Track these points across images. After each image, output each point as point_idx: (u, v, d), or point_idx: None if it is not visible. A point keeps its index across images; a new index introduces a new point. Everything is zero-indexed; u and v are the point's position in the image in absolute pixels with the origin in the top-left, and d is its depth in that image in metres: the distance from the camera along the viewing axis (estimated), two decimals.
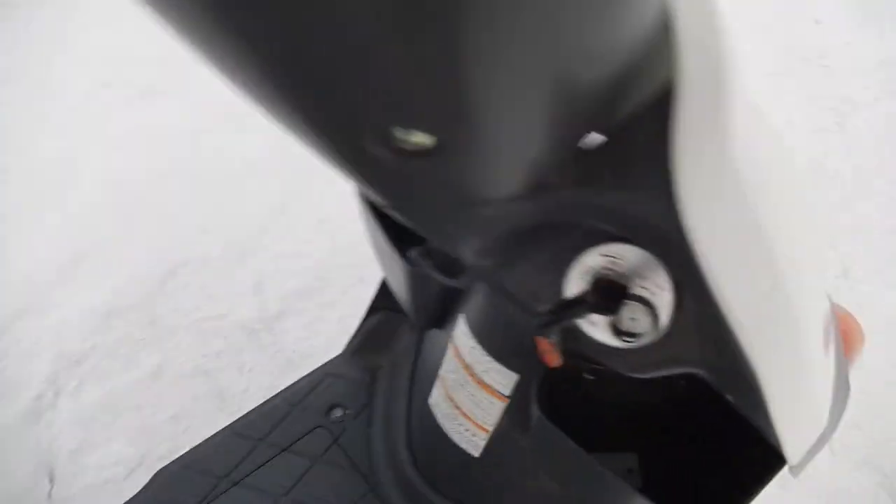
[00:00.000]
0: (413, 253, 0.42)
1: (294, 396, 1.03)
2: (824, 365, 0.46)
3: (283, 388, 1.03)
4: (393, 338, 1.07)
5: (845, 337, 0.58)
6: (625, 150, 0.31)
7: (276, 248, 1.63)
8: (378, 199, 0.31)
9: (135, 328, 1.52)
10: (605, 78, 0.25)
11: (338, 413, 1.01)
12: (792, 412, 0.39)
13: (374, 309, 1.08)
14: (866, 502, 1.14)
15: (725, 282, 0.32)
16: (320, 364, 1.08)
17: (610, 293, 0.36)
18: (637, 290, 0.37)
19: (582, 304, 0.36)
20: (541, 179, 0.32)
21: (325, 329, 1.48)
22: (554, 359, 0.55)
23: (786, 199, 0.40)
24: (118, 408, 1.41)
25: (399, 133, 0.22)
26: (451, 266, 0.42)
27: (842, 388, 0.53)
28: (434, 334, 0.90)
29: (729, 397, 0.37)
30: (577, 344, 0.41)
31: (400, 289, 0.80)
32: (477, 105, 0.21)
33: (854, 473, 1.17)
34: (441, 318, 0.80)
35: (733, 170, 0.31)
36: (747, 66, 1.77)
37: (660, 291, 0.36)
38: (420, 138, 0.22)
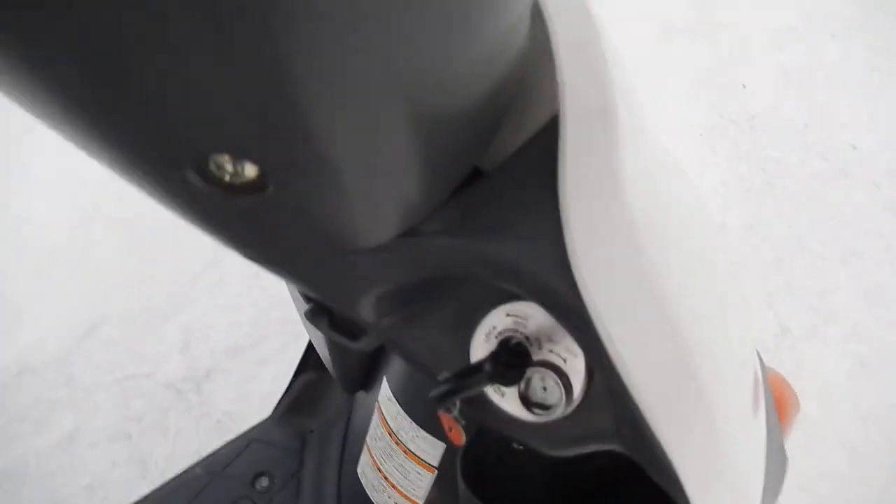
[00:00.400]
0: (307, 311, 0.38)
1: (216, 464, 0.96)
2: (753, 436, 0.44)
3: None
4: (323, 399, 1.02)
5: (779, 404, 0.56)
6: (507, 192, 0.28)
7: (207, 302, 1.56)
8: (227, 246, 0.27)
9: (48, 388, 1.41)
10: (468, 107, 0.22)
11: (264, 482, 0.95)
12: (714, 498, 0.36)
13: (302, 369, 1.03)
14: None
15: (626, 350, 0.28)
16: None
17: (512, 360, 0.33)
18: (546, 356, 0.34)
19: (479, 374, 0.32)
20: (409, 224, 0.28)
21: (258, 389, 1.41)
22: (457, 436, 0.50)
23: (699, 255, 0.38)
24: (26, 476, 1.29)
25: (218, 162, 0.19)
26: (350, 325, 0.38)
27: (777, 462, 0.51)
28: (364, 396, 0.86)
29: (655, 479, 0.34)
30: (487, 417, 0.38)
31: (321, 349, 0.75)
32: (304, 127, 0.17)
33: None
34: (366, 380, 0.76)
35: (630, 218, 0.28)
36: (680, 127, 1.83)
37: (571, 357, 0.33)
38: (244, 169, 0.19)
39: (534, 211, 0.28)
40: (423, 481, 0.65)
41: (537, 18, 0.27)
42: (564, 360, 0.33)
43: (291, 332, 1.48)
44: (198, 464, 0.95)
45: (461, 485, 0.56)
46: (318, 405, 1.02)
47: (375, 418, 0.69)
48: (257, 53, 0.15)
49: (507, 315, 0.34)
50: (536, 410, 0.33)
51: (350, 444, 0.90)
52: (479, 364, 0.32)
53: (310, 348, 1.01)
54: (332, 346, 0.68)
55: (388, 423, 0.66)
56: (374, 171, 0.21)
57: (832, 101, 2.10)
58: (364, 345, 0.39)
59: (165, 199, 0.22)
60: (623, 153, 0.27)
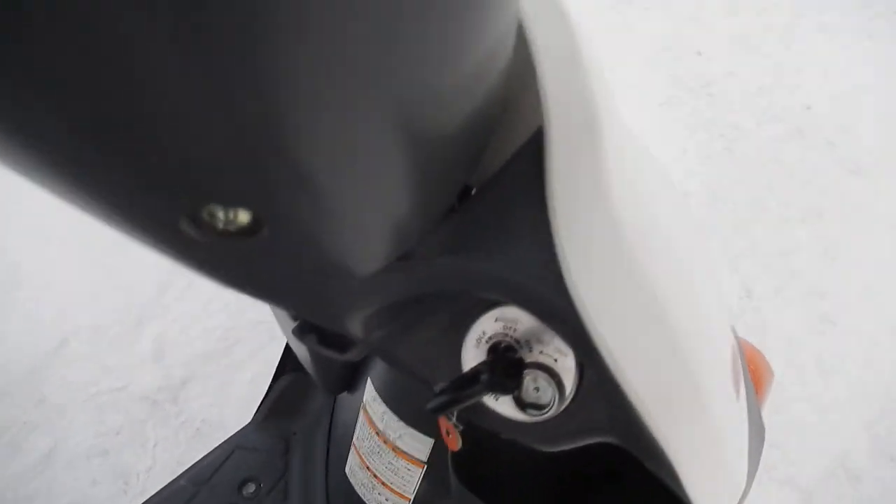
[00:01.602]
0: (295, 328, 0.38)
1: (201, 475, 0.95)
2: (738, 419, 0.45)
3: (192, 461, 0.95)
4: (304, 401, 1.01)
5: (754, 376, 0.58)
6: (496, 208, 0.28)
7: (177, 310, 1.54)
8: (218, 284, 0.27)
9: (20, 410, 1.38)
10: (459, 128, 0.22)
11: (251, 488, 0.94)
12: (709, 484, 0.38)
13: (281, 372, 1.02)
14: None
15: (618, 349, 0.29)
16: (233, 432, 1.00)
17: (508, 369, 0.33)
18: (537, 357, 0.34)
19: (477, 384, 0.32)
20: (404, 249, 0.28)
21: (236, 393, 1.39)
22: (454, 442, 0.51)
23: (680, 250, 0.39)
24: (4, 501, 1.27)
25: (211, 210, 0.18)
26: (338, 339, 0.38)
27: (756, 432, 0.53)
28: (346, 396, 0.86)
29: (648, 466, 0.35)
30: (481, 420, 0.38)
31: (302, 354, 0.75)
32: (298, 172, 0.17)
33: (775, 492, 1.20)
34: (348, 381, 0.76)
35: (619, 229, 0.29)
36: (638, 97, 1.84)
37: (561, 357, 0.33)
38: (237, 215, 0.19)
39: (525, 226, 0.28)
40: (412, 476, 0.65)
41: (520, 32, 0.27)
42: (555, 360, 0.33)
43: (266, 334, 1.47)
44: (182, 475, 0.94)
45: (453, 478, 0.56)
46: (298, 407, 1.01)
47: (362, 419, 0.69)
48: (254, 109, 0.15)
49: (496, 320, 0.34)
50: (531, 411, 0.34)
51: (335, 445, 0.90)
52: (476, 374, 0.33)
53: (287, 351, 1.00)
54: (316, 355, 0.67)
55: (375, 423, 0.66)
56: (369, 204, 0.21)
57: (785, 64, 2.14)
58: (352, 356, 0.39)
59: (156, 246, 0.21)
60: (608, 163, 0.28)
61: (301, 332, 0.38)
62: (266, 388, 1.04)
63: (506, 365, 0.33)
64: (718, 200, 1.77)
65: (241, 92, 0.14)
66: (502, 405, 0.36)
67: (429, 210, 0.26)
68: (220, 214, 0.18)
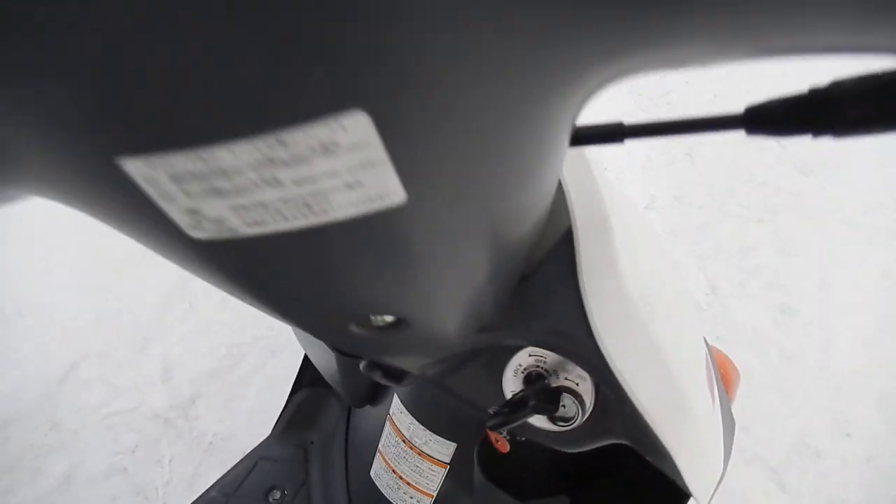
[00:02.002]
0: (364, 365, 0.48)
1: (229, 485, 1.03)
2: (714, 416, 0.56)
3: (208, 474, 1.03)
4: (319, 414, 1.10)
5: (724, 378, 0.69)
6: (544, 289, 0.39)
7: (181, 329, 1.61)
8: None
9: (35, 435, 1.44)
10: (523, 242, 0.33)
11: (276, 495, 1.03)
12: (698, 470, 0.49)
13: (297, 387, 1.11)
14: (758, 495, 1.29)
15: (631, 380, 0.40)
16: (244, 443, 1.08)
17: (548, 395, 0.44)
18: (563, 382, 0.44)
19: (527, 407, 0.43)
20: (482, 326, 0.39)
21: (244, 407, 1.47)
22: (504, 446, 0.62)
23: (670, 297, 0.50)
24: None
25: (374, 319, 0.28)
26: (399, 373, 0.48)
27: (728, 425, 0.64)
28: (362, 409, 0.95)
29: (650, 459, 0.46)
30: (522, 431, 0.48)
31: (330, 374, 0.84)
32: (430, 289, 0.28)
33: (745, 471, 1.33)
34: (372, 396, 0.85)
35: (626, 291, 0.40)
36: (603, 110, 1.95)
37: (582, 381, 0.44)
38: (389, 318, 0.29)
39: (566, 298, 0.39)
40: (436, 476, 0.75)
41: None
42: (577, 384, 0.44)
43: (267, 349, 1.55)
44: (212, 487, 1.03)
45: (477, 473, 0.67)
46: (314, 420, 1.10)
47: (388, 429, 0.79)
48: (409, 275, 0.25)
49: (530, 355, 0.45)
50: (560, 423, 0.44)
51: (354, 452, 0.99)
52: (524, 399, 0.43)
53: (302, 369, 1.09)
54: (348, 373, 0.77)
55: (402, 431, 0.76)
56: (473, 304, 0.32)
57: (736, 72, 2.29)
58: (406, 384, 0.49)
59: (324, 338, 0.32)
60: (617, 246, 0.39)
61: (369, 368, 0.48)
62: (271, 400, 1.12)
63: (546, 392, 0.44)
64: (684, 204, 1.90)
65: (401, 275, 0.25)
66: (539, 419, 0.47)
67: (506, 296, 0.37)
68: (377, 319, 0.29)
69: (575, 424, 0.44)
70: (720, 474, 0.57)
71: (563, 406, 0.44)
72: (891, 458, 1.35)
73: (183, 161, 0.17)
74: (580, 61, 0.18)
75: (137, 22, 0.13)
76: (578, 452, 0.50)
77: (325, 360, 0.81)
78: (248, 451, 1.08)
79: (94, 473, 1.38)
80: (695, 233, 1.82)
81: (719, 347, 0.81)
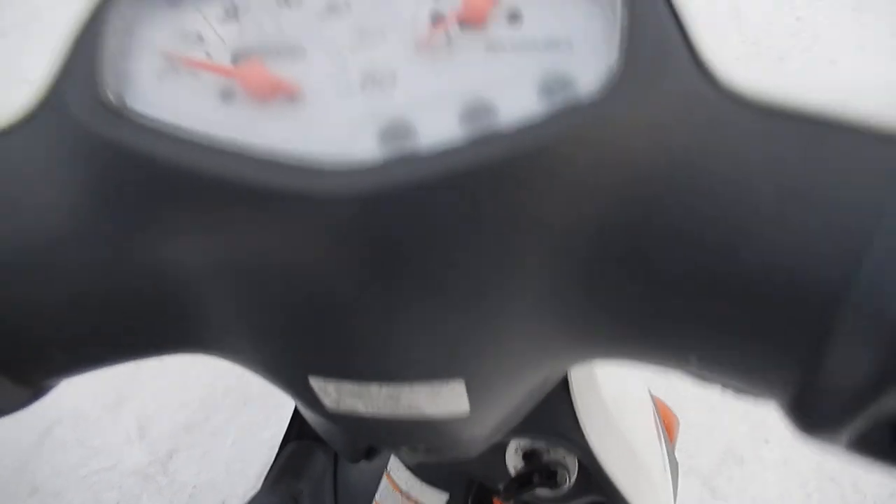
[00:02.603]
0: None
1: None
2: (665, 468, 0.72)
3: None
4: (307, 465, 1.20)
5: (666, 426, 0.85)
6: (550, 409, 0.53)
7: (153, 386, 1.66)
8: None
9: (16, 501, 1.47)
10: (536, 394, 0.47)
11: None
12: None
13: (286, 440, 1.20)
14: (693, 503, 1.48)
15: (605, 457, 0.55)
16: (224, 492, 1.16)
17: (548, 470, 0.57)
18: (554, 456, 0.58)
19: (532, 483, 0.56)
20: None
21: (222, 457, 1.55)
22: None
23: (635, 404, 0.66)
24: None
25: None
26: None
27: (674, 469, 0.80)
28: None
29: None
30: (522, 497, 0.63)
31: (325, 430, 0.95)
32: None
33: (681, 481, 1.51)
34: (368, 453, 0.97)
35: (608, 408, 0.54)
36: None
37: (569, 457, 0.58)
38: None
39: (566, 413, 0.52)
40: None
41: None
42: (564, 457, 0.58)
43: (240, 400, 1.63)
44: None
45: None
46: (303, 471, 1.20)
47: (385, 483, 0.91)
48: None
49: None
50: (553, 490, 0.58)
51: (344, 499, 1.10)
52: (530, 475, 0.57)
53: (291, 424, 1.19)
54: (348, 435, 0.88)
55: (399, 485, 0.88)
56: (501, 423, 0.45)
57: None
58: (429, 460, 0.62)
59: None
60: (600, 380, 0.53)
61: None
62: (247, 450, 1.21)
63: (547, 469, 0.58)
64: None
65: None
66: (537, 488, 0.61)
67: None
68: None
69: (564, 490, 0.58)
70: None
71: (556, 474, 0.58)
72: (801, 459, 1.56)
73: (349, 386, 0.30)
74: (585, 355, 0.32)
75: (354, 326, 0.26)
76: None
77: (330, 429, 0.92)
78: (227, 500, 1.16)
79: None
80: None
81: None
